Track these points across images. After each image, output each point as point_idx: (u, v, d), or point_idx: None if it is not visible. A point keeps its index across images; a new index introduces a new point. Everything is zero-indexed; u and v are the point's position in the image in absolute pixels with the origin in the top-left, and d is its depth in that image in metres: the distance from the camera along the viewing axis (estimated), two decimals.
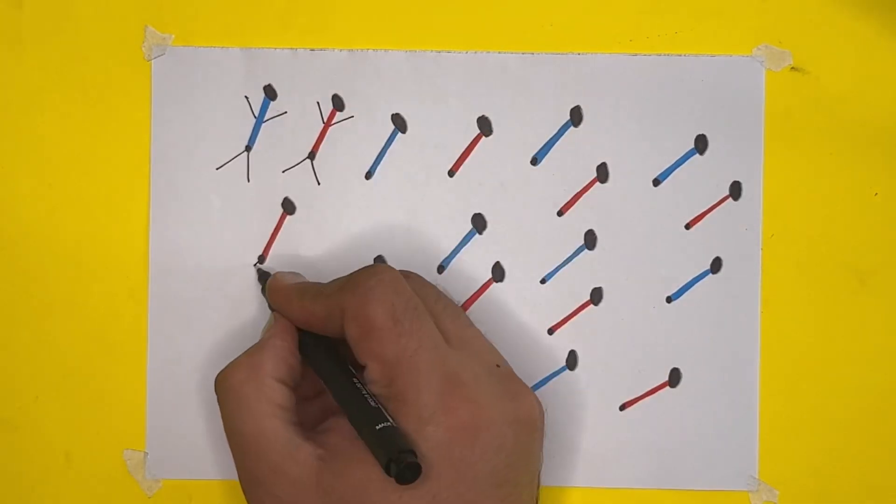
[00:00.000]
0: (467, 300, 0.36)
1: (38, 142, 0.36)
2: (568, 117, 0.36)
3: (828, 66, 0.36)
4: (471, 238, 0.36)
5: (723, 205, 0.36)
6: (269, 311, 0.34)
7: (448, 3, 0.36)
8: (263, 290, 0.35)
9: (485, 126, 0.36)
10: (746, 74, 0.36)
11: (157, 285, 0.36)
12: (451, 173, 0.36)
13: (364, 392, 0.30)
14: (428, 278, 0.36)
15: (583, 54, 0.36)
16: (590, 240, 0.36)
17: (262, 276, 0.36)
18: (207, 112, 0.36)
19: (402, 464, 0.27)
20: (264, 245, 0.36)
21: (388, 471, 0.27)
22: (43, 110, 0.36)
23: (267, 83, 0.36)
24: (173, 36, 0.36)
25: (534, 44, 0.36)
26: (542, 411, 0.31)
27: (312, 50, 0.36)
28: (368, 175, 0.36)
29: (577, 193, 0.36)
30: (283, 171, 0.36)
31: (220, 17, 0.36)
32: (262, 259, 0.36)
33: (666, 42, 0.36)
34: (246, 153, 0.36)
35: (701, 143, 0.36)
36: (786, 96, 0.36)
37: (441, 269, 0.36)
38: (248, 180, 0.36)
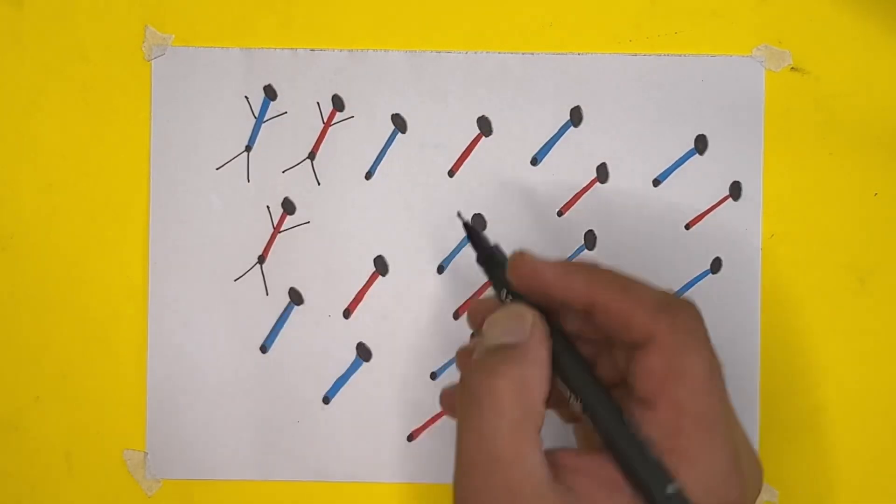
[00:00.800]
0: (467, 300, 0.36)
1: (38, 142, 0.36)
2: (568, 117, 0.36)
3: (828, 66, 0.36)
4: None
5: (723, 205, 0.36)
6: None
7: (448, 3, 0.36)
8: (480, 260, 0.30)
9: (485, 126, 0.36)
10: (746, 74, 0.36)
11: (157, 285, 0.36)
12: (451, 173, 0.36)
13: (640, 439, 0.26)
14: (428, 278, 0.36)
15: (583, 54, 0.36)
16: (590, 240, 0.36)
17: (477, 240, 0.30)
18: (207, 112, 0.36)
19: None
20: (264, 245, 0.36)
21: None
22: (43, 110, 0.36)
23: (267, 83, 0.36)
24: (173, 36, 0.36)
25: (534, 44, 0.36)
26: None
27: (312, 50, 0.36)
28: (368, 175, 0.36)
29: (577, 193, 0.36)
30: (283, 171, 0.36)
31: (220, 17, 0.36)
32: (262, 259, 0.36)
33: (666, 42, 0.36)
34: (246, 153, 0.36)
35: (701, 143, 0.36)
36: (786, 96, 0.36)
37: (441, 269, 0.36)
38: (248, 180, 0.36)
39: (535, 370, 0.27)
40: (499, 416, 0.26)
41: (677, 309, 0.27)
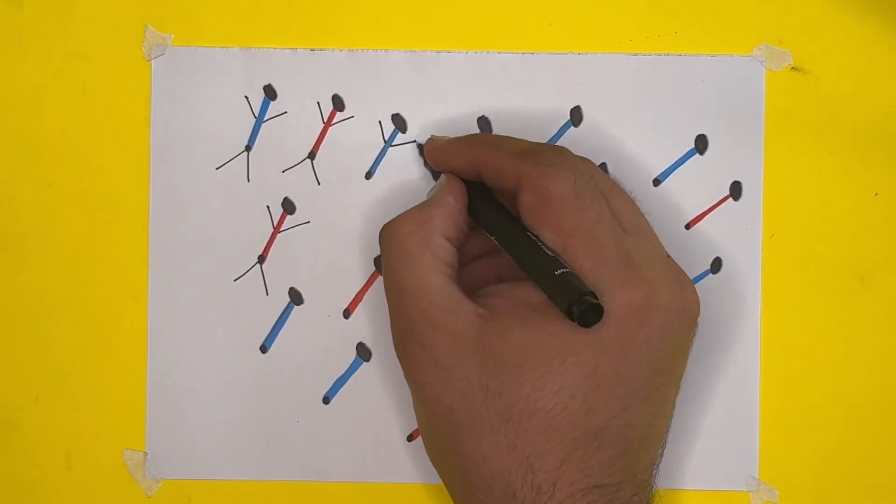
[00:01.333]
0: None
1: (38, 142, 0.36)
2: (568, 117, 0.36)
3: (828, 66, 0.36)
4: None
5: (723, 205, 0.36)
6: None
7: (448, 3, 0.36)
8: (426, 162, 0.35)
9: (485, 126, 0.36)
10: (746, 74, 0.36)
11: (157, 285, 0.36)
12: None
13: (539, 243, 0.29)
14: None
15: (583, 54, 0.36)
16: None
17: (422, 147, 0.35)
18: (207, 112, 0.36)
19: (585, 305, 0.27)
20: (264, 245, 0.36)
21: (569, 314, 0.27)
22: (43, 110, 0.36)
23: (267, 83, 0.36)
24: (173, 36, 0.36)
25: (534, 44, 0.36)
26: (699, 309, 0.31)
27: (312, 50, 0.36)
28: (368, 175, 0.36)
29: None
30: (283, 171, 0.36)
31: (220, 17, 0.36)
32: (262, 259, 0.36)
33: (666, 42, 0.36)
34: (246, 153, 0.36)
35: (701, 143, 0.36)
36: (786, 96, 0.36)
37: None
38: (248, 180, 0.36)
39: (434, 210, 0.31)
40: (401, 254, 0.30)
41: (538, 149, 0.31)
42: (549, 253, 0.29)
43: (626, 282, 0.29)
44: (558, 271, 0.28)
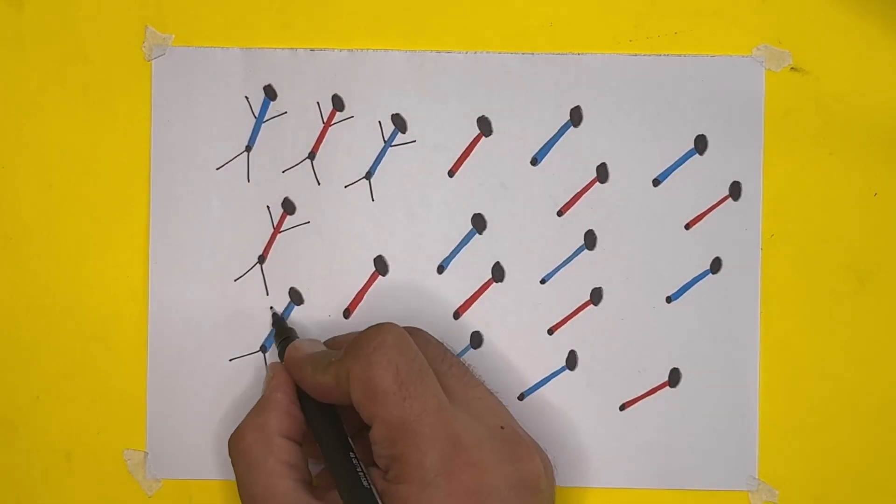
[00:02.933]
0: (467, 300, 0.36)
1: (38, 142, 0.36)
2: (568, 117, 0.36)
3: (828, 66, 0.36)
4: (471, 238, 0.36)
5: (723, 205, 0.36)
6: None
7: (448, 3, 0.36)
8: (277, 341, 0.35)
9: (485, 126, 0.36)
10: (746, 74, 0.36)
11: (157, 286, 0.36)
12: (451, 173, 0.36)
13: (359, 469, 0.30)
14: (428, 278, 0.36)
15: (583, 54, 0.36)
16: (590, 240, 0.36)
17: (278, 324, 0.36)
18: (207, 112, 0.36)
19: None
20: (264, 245, 0.36)
21: None
22: (43, 110, 0.36)
23: (267, 83, 0.36)
24: (173, 36, 0.36)
25: (534, 44, 0.36)
26: (548, 471, 0.31)
27: (312, 50, 0.36)
28: (368, 175, 0.36)
29: (577, 193, 0.36)
30: (283, 171, 0.36)
31: (220, 17, 0.36)
32: (262, 259, 0.36)
33: (666, 42, 0.36)
34: (246, 153, 0.36)
35: (701, 143, 0.36)
36: (786, 96, 0.36)
37: (441, 269, 0.36)
38: (248, 180, 0.36)
39: (269, 413, 0.31)
40: (248, 465, 0.31)
41: (358, 340, 0.30)
42: (364, 484, 0.29)
43: (453, 469, 0.28)
44: (365, 483, 0.29)
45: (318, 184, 0.36)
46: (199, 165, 0.36)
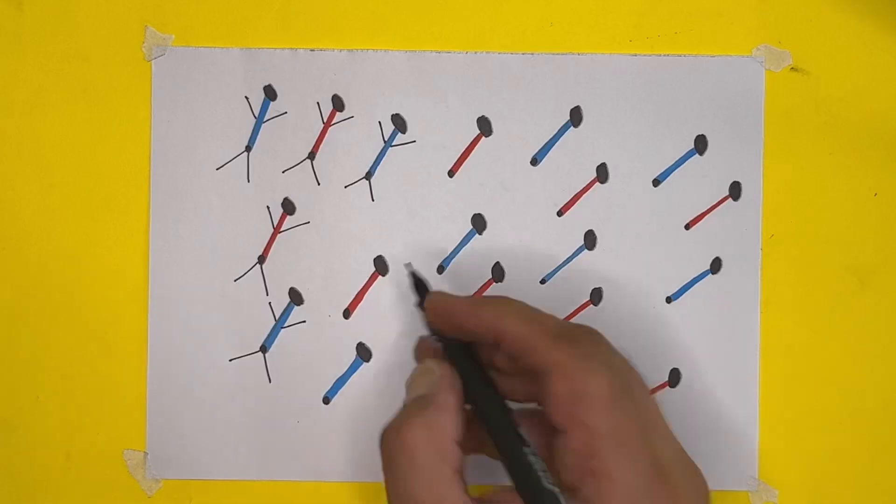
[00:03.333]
0: None
1: (38, 142, 0.36)
2: (568, 117, 0.36)
3: (828, 66, 0.36)
4: (471, 238, 0.36)
5: (723, 205, 0.36)
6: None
7: (448, 3, 0.36)
8: (420, 304, 0.33)
9: (485, 126, 0.36)
10: (746, 74, 0.36)
11: (157, 286, 0.36)
12: (451, 173, 0.36)
13: (540, 470, 0.27)
14: (428, 278, 0.36)
15: (583, 54, 0.36)
16: (590, 240, 0.36)
17: (420, 287, 0.34)
18: (207, 112, 0.36)
19: None
20: (264, 245, 0.36)
21: None
22: (43, 110, 0.36)
23: (267, 83, 0.36)
24: (173, 36, 0.36)
25: (534, 44, 0.36)
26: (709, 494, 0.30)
27: (312, 50, 0.36)
28: (368, 175, 0.36)
29: (577, 193, 0.36)
30: (283, 172, 0.36)
31: (220, 17, 0.36)
32: (262, 259, 0.36)
33: (666, 42, 0.36)
34: (246, 153, 0.36)
35: (701, 144, 0.36)
36: (786, 96, 0.36)
37: (441, 269, 0.36)
38: (248, 180, 0.36)
39: (443, 416, 0.29)
40: (412, 466, 0.28)
41: (575, 335, 0.29)
42: (532, 460, 0.28)
43: (655, 493, 0.27)
44: (547, 484, 0.27)
45: (318, 184, 0.36)
46: (199, 165, 0.36)
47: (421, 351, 0.34)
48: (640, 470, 0.27)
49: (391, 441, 0.29)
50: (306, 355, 0.36)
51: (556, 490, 0.27)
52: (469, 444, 0.30)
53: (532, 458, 0.28)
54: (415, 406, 0.29)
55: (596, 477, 0.27)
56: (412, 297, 0.34)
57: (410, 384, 0.31)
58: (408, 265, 0.35)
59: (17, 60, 0.36)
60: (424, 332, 0.33)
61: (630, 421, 0.27)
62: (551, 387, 0.28)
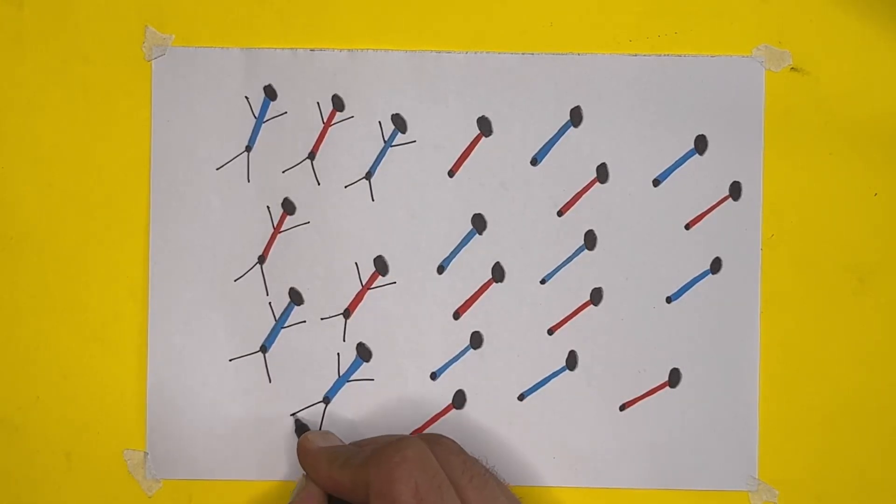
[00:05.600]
0: (467, 300, 0.36)
1: (38, 142, 0.36)
2: (568, 117, 0.36)
3: (828, 66, 0.36)
4: (471, 238, 0.36)
5: (723, 205, 0.36)
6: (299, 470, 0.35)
7: (448, 3, 0.36)
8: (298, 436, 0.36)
9: (485, 126, 0.36)
10: (746, 74, 0.36)
11: (157, 285, 0.36)
12: (451, 173, 0.36)
13: None
14: (428, 278, 0.36)
15: (583, 54, 0.36)
16: (590, 240, 0.36)
17: (299, 429, 0.36)
18: (207, 112, 0.36)
19: None
20: (264, 245, 0.36)
21: None
22: (43, 110, 0.36)
23: (267, 83, 0.36)
24: (173, 36, 0.36)
25: (534, 44, 0.36)
26: None
27: (312, 50, 0.36)
28: (368, 175, 0.36)
29: (577, 193, 0.36)
30: (283, 172, 0.36)
31: (220, 17, 0.36)
32: (262, 259, 0.36)
33: (666, 42, 0.36)
34: (246, 153, 0.36)
35: (701, 144, 0.36)
36: (786, 96, 0.36)
37: (441, 269, 0.36)
38: (248, 180, 0.36)
39: None
40: None
41: (381, 452, 0.31)
42: None
43: None
44: None
45: (318, 184, 0.36)
46: (199, 165, 0.36)
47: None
48: None
49: None
50: (306, 355, 0.36)
51: None
52: None
53: None
54: None
55: None
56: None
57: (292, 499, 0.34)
58: (293, 415, 0.36)
59: (17, 60, 0.36)
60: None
61: None
62: None
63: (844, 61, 0.36)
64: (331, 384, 0.36)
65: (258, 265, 0.36)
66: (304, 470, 0.34)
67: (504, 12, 0.36)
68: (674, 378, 0.36)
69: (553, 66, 0.36)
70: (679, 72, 0.36)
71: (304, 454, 0.34)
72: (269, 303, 0.36)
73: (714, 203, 0.36)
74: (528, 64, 0.36)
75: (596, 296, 0.36)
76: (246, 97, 0.36)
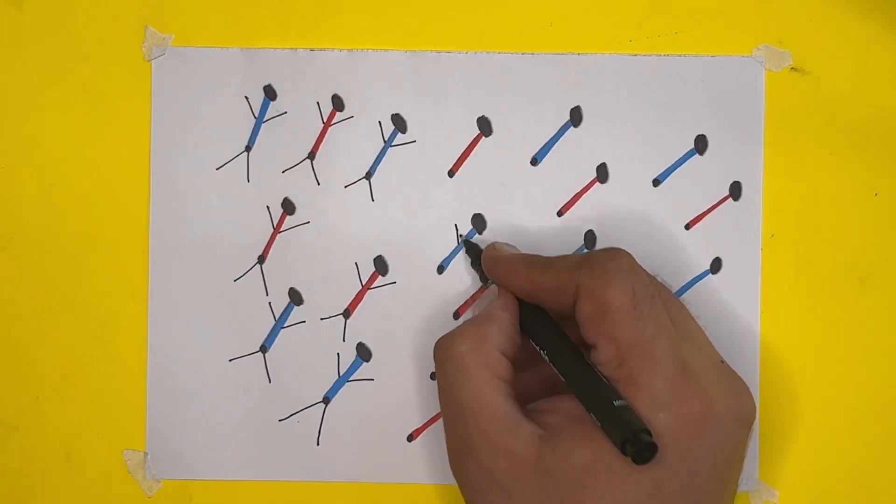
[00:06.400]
0: (467, 300, 0.36)
1: (38, 142, 0.36)
2: (568, 117, 0.36)
3: (828, 66, 0.36)
4: (471, 238, 0.36)
5: (723, 205, 0.36)
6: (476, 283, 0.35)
7: (448, 3, 0.36)
8: (474, 263, 0.35)
9: (485, 126, 0.36)
10: (746, 74, 0.36)
11: (157, 285, 0.36)
12: (451, 173, 0.36)
13: (594, 370, 0.29)
14: (428, 278, 0.36)
15: (583, 54, 0.36)
16: (590, 240, 0.36)
17: (472, 249, 0.35)
18: (207, 112, 0.36)
19: (640, 443, 0.27)
20: (264, 245, 0.36)
21: (623, 450, 0.27)
22: (43, 110, 0.36)
23: (267, 83, 0.36)
24: (173, 36, 0.36)
25: (534, 44, 0.36)
26: (755, 411, 0.31)
27: (312, 50, 0.36)
28: (368, 175, 0.36)
29: (577, 193, 0.36)
30: (283, 171, 0.36)
31: (220, 17, 0.36)
32: (262, 259, 0.36)
33: (666, 42, 0.36)
34: (246, 153, 0.36)
35: (701, 143, 0.36)
36: (786, 96, 0.36)
37: (441, 269, 0.36)
38: (248, 180, 0.36)
39: (491, 327, 0.31)
40: (458, 368, 0.30)
41: (593, 258, 0.30)
42: (603, 381, 0.29)
43: (684, 395, 0.28)
44: (616, 402, 0.28)
45: (318, 184, 0.36)
46: (199, 165, 0.36)
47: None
48: (666, 374, 0.28)
49: (442, 350, 0.31)
50: (306, 355, 0.36)
51: (610, 384, 0.29)
52: (523, 364, 0.32)
53: (590, 363, 0.30)
54: (469, 321, 0.32)
55: (625, 384, 0.29)
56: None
57: (475, 307, 0.34)
58: (460, 236, 0.36)
59: (17, 60, 0.36)
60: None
61: (653, 330, 0.29)
62: (580, 309, 0.30)
63: (844, 61, 0.36)
64: (331, 384, 0.36)
65: (258, 265, 0.36)
66: (495, 277, 0.33)
67: (504, 12, 0.36)
68: None
69: (553, 66, 0.36)
70: (679, 72, 0.36)
71: (495, 261, 0.33)
72: (269, 303, 0.36)
73: (714, 203, 0.36)
74: (528, 64, 0.36)
75: None
76: (246, 97, 0.36)
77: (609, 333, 0.29)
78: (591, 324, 0.29)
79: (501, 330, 0.31)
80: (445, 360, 0.31)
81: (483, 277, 0.35)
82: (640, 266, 0.31)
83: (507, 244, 0.35)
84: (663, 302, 0.30)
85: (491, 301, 0.33)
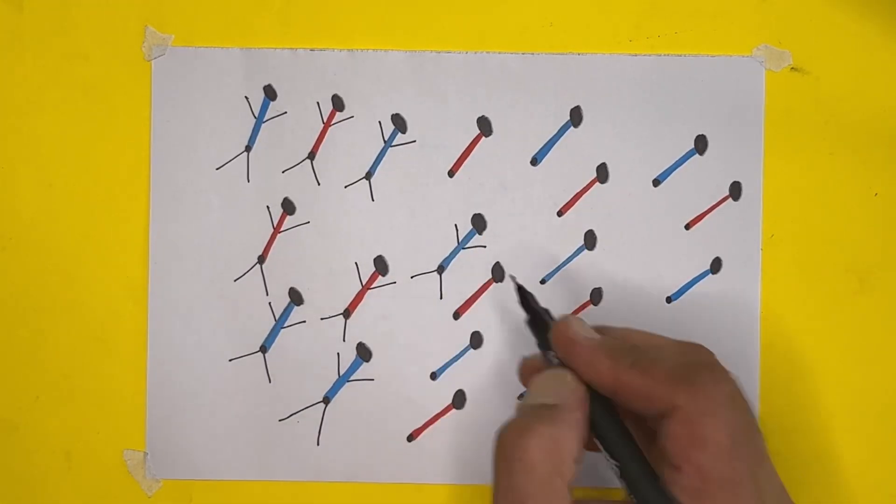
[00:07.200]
0: (467, 300, 0.36)
1: (38, 142, 0.36)
2: (568, 117, 0.36)
3: (828, 66, 0.36)
4: (471, 238, 0.36)
5: (723, 205, 0.36)
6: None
7: (448, 3, 0.36)
8: (531, 323, 0.32)
9: (485, 126, 0.36)
10: (746, 74, 0.36)
11: (157, 285, 0.36)
12: (451, 173, 0.36)
13: (668, 493, 0.27)
14: (428, 278, 0.36)
15: (583, 54, 0.36)
16: (590, 240, 0.36)
17: (528, 305, 0.32)
18: (207, 112, 0.36)
19: None
20: (264, 245, 0.36)
21: None
22: (43, 110, 0.36)
23: (267, 83, 0.36)
24: (173, 36, 0.36)
25: (534, 44, 0.36)
26: None
27: (312, 50, 0.36)
28: (368, 175, 0.36)
29: (577, 193, 0.36)
30: (283, 171, 0.36)
31: (220, 17, 0.36)
32: (262, 259, 0.36)
33: (666, 42, 0.36)
34: (246, 153, 0.36)
35: (701, 143, 0.36)
36: (786, 96, 0.36)
37: (442, 269, 0.36)
38: (248, 180, 0.36)
39: (567, 431, 0.28)
40: (528, 473, 0.27)
41: (695, 376, 0.28)
42: (670, 498, 0.27)
43: None
44: None
45: (318, 184, 0.36)
46: (199, 165, 0.36)
47: (527, 367, 0.32)
48: None
49: (511, 443, 0.28)
50: (306, 355, 0.36)
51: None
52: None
53: (674, 499, 0.27)
54: (543, 415, 0.28)
55: None
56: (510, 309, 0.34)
57: (538, 386, 0.30)
58: (513, 277, 0.34)
59: (17, 60, 0.36)
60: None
61: (745, 469, 0.27)
62: (671, 427, 0.27)
63: (844, 61, 0.36)
64: (331, 384, 0.36)
65: (258, 265, 0.36)
66: (570, 363, 0.30)
67: (504, 12, 0.36)
68: None
69: (553, 66, 0.36)
70: (679, 72, 0.36)
71: (571, 344, 0.30)
72: (269, 303, 0.36)
73: (714, 203, 0.36)
74: (528, 64, 0.36)
75: (596, 296, 0.36)
76: (246, 97, 0.36)
77: (698, 463, 0.27)
78: (679, 446, 0.27)
79: (576, 434, 0.28)
80: (514, 460, 0.28)
81: (542, 343, 0.31)
82: (742, 393, 0.28)
83: (578, 318, 0.31)
84: (753, 433, 0.29)
85: (558, 386, 0.29)
